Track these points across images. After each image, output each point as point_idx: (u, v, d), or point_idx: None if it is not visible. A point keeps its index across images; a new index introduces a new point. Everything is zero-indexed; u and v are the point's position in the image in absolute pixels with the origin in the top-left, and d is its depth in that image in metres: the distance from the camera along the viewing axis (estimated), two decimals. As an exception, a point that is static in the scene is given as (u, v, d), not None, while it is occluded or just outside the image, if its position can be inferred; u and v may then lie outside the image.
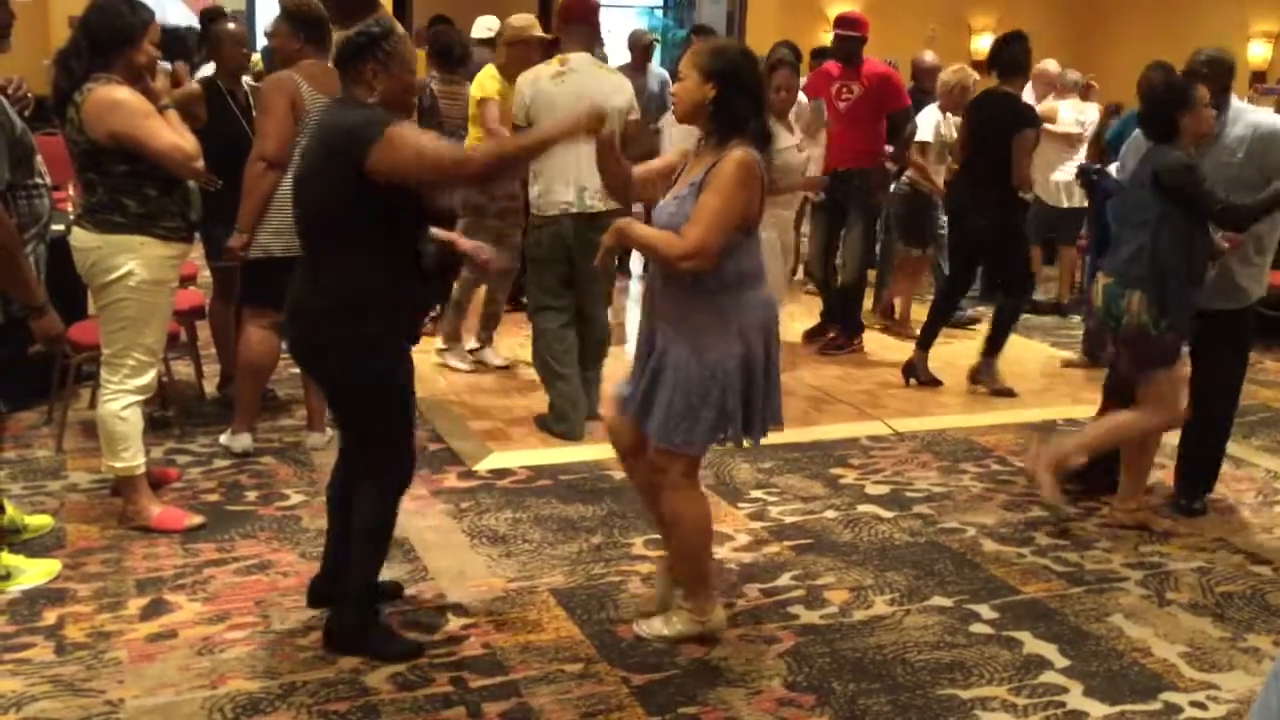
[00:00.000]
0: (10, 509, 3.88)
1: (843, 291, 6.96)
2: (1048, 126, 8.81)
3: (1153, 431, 4.31)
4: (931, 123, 6.99)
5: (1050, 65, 8.45)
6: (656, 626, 3.45)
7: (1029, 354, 7.10)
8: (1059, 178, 8.18)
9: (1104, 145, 8.21)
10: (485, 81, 5.96)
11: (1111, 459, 4.42)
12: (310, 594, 3.55)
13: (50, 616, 3.48)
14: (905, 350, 6.68)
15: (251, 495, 4.43)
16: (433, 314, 5.87)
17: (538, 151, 3.09)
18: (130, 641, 3.35)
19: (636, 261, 8.58)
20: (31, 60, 7.71)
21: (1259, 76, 11.76)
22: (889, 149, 7.07)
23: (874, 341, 7.21)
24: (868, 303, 7.72)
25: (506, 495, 4.51)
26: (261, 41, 10.15)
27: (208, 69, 5.74)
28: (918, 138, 7.06)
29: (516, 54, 5.97)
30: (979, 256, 6.26)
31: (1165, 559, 4.18)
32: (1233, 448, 5.40)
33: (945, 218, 6.85)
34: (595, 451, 4.88)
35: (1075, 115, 8.33)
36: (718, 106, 3.15)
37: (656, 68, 8.93)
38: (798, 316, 7.34)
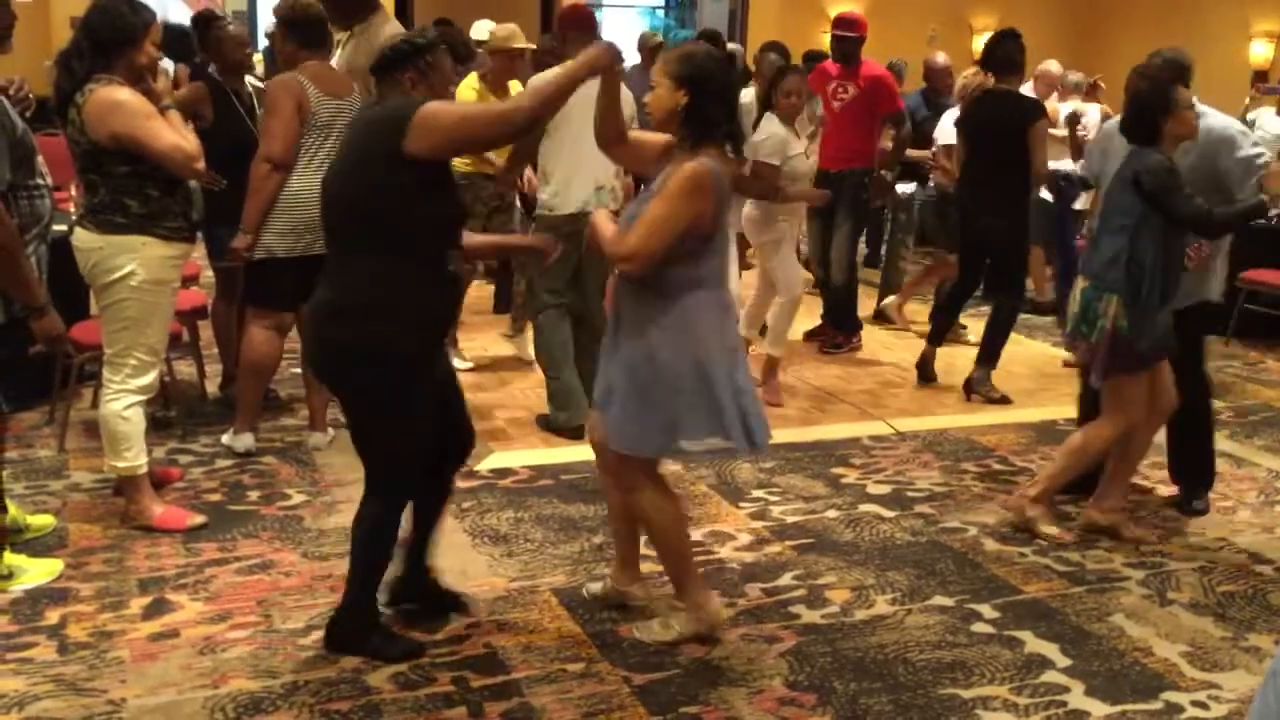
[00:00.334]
0: (13, 509, 3.88)
1: (835, 292, 6.97)
2: (1049, 129, 8.80)
3: (1114, 440, 4.23)
4: (953, 125, 6.99)
5: (1052, 66, 8.44)
6: (655, 630, 3.45)
7: (1030, 354, 7.10)
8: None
9: None
10: (464, 91, 6.04)
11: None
12: (393, 595, 3.49)
13: (53, 616, 3.48)
14: (905, 350, 6.69)
15: (253, 495, 4.44)
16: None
17: (569, 89, 3.09)
18: (132, 641, 3.36)
19: None
20: (33, 61, 7.72)
21: (1261, 76, 11.75)
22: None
23: (874, 341, 7.21)
24: (873, 303, 7.74)
25: (508, 495, 4.51)
26: (263, 42, 10.18)
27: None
28: (941, 141, 7.07)
29: (498, 63, 6.06)
30: (989, 256, 6.24)
31: (1166, 559, 4.18)
32: (1234, 447, 5.42)
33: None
34: (588, 452, 4.87)
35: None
36: (689, 113, 3.16)
37: None
38: (800, 316, 7.33)
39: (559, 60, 5.12)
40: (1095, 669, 3.39)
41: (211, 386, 5.61)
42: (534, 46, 5.93)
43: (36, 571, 3.69)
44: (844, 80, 6.79)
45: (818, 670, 3.33)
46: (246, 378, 4.87)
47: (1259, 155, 4.30)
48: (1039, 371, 6.74)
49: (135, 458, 4.02)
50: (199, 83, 5.31)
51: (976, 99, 6.33)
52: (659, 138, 3.34)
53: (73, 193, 5.30)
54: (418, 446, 3.22)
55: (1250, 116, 10.02)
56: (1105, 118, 8.67)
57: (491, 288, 7.69)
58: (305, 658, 3.29)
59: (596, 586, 3.68)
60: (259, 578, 3.77)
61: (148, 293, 3.92)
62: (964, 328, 7.36)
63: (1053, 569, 4.05)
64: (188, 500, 4.33)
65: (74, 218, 4.26)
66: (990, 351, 6.12)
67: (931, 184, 7.24)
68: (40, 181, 3.82)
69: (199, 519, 4.13)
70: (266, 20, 11.26)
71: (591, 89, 3.26)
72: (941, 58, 8.30)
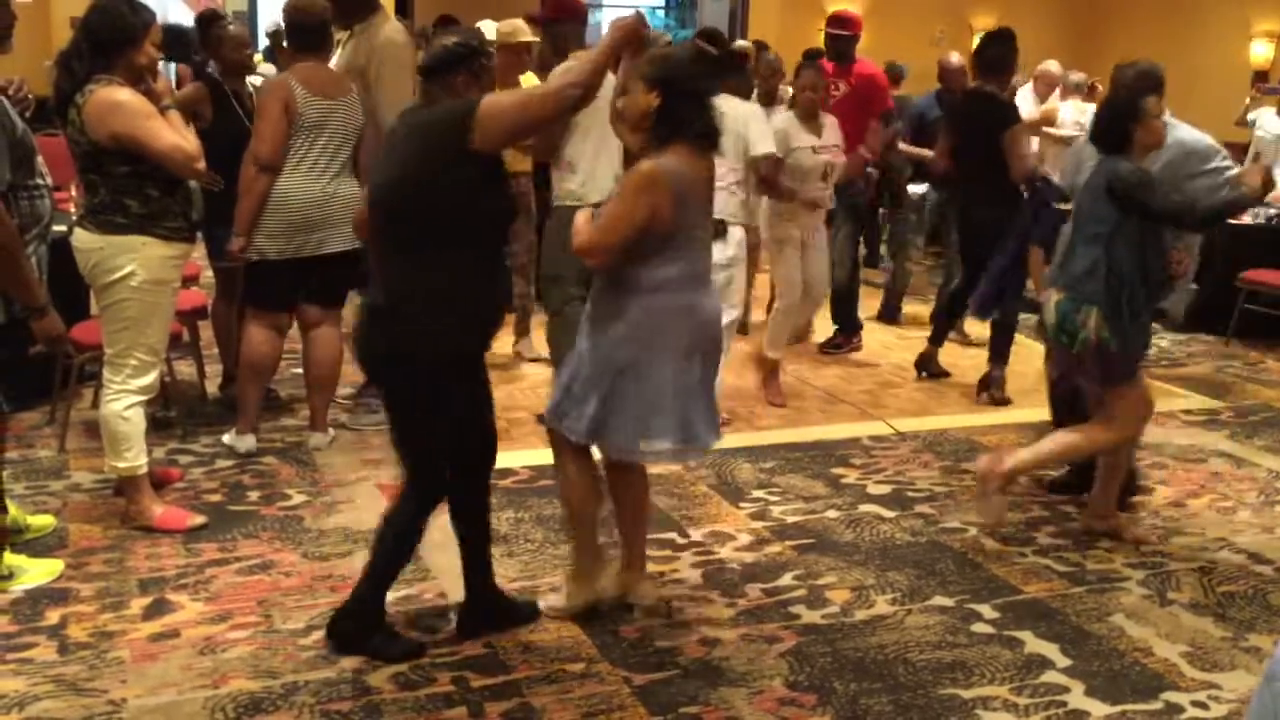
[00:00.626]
0: (13, 509, 3.88)
1: (835, 292, 6.98)
2: (1047, 130, 8.81)
3: (1118, 445, 4.22)
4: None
5: (1052, 66, 8.45)
6: (550, 599, 3.60)
7: (1030, 354, 7.08)
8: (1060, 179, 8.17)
9: None
10: None
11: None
12: (462, 623, 3.46)
13: (53, 616, 3.48)
14: (905, 350, 6.70)
15: (254, 495, 4.44)
16: None
17: (607, 59, 3.17)
18: (132, 641, 3.36)
19: None
20: (33, 61, 7.73)
21: (1261, 76, 11.75)
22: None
23: (874, 341, 7.21)
24: (874, 303, 7.74)
25: (509, 495, 4.51)
26: (263, 42, 10.20)
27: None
28: None
29: (505, 58, 6.03)
30: (987, 251, 6.24)
31: (1167, 559, 4.18)
32: (1234, 447, 5.42)
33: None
34: (597, 452, 4.86)
35: (1076, 116, 8.32)
36: (660, 113, 3.19)
37: None
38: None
39: (554, 51, 5.10)
40: (1095, 669, 3.39)
41: (211, 387, 5.61)
42: (539, 40, 5.91)
43: (37, 572, 3.69)
44: (837, 78, 6.84)
45: (818, 670, 3.33)
46: (246, 378, 4.88)
47: (1230, 169, 4.26)
48: (1038, 371, 6.72)
49: (135, 458, 4.02)
50: (199, 83, 5.31)
51: (961, 98, 6.37)
52: None
53: (73, 193, 5.31)
54: (458, 445, 3.27)
55: (1251, 116, 10.03)
56: None
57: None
58: (305, 658, 3.29)
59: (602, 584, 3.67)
60: (259, 578, 3.77)
61: (148, 293, 3.92)
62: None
63: (1053, 569, 4.05)
64: (188, 500, 4.33)
65: (74, 218, 4.26)
66: (1001, 351, 6.12)
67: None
68: (40, 181, 3.82)
69: (199, 519, 4.13)
70: (267, 20, 11.31)
71: (609, 80, 3.30)
72: (955, 58, 8.28)
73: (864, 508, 4.55)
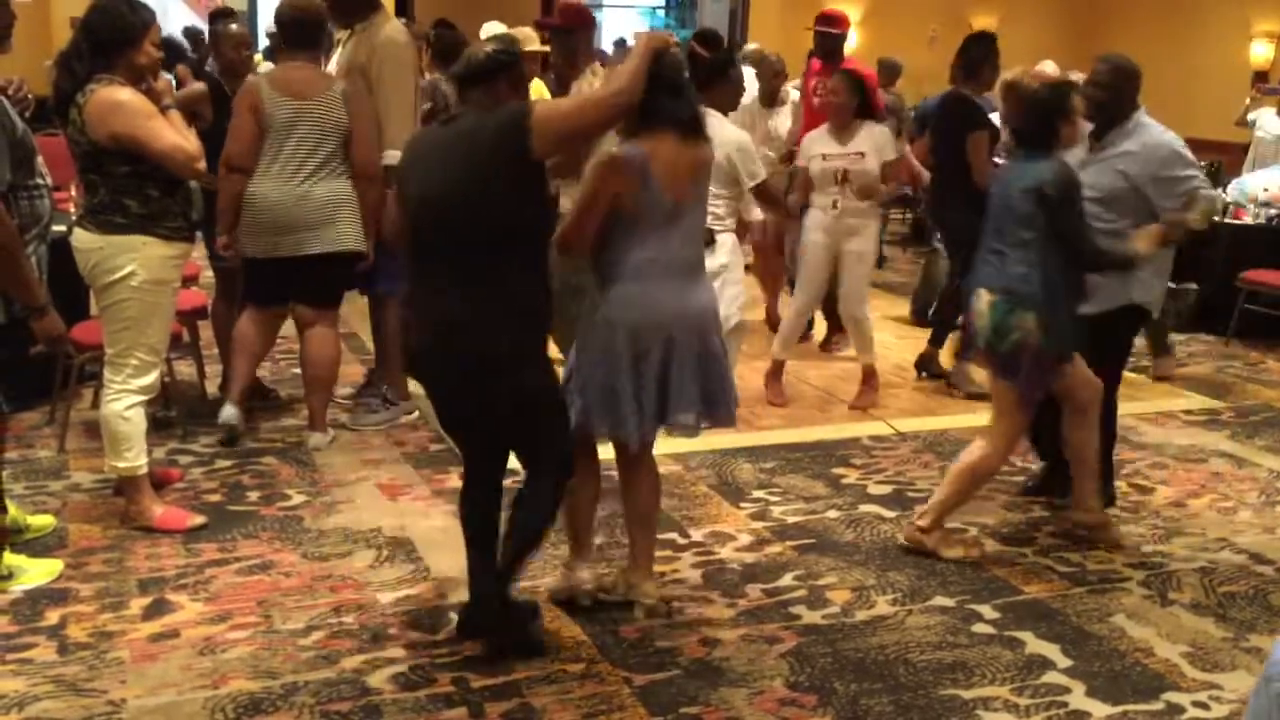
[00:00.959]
0: (13, 509, 3.88)
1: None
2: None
3: (1008, 450, 4.14)
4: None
5: (1049, 66, 8.43)
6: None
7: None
8: None
9: None
10: None
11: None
12: (467, 624, 3.44)
13: (52, 616, 3.48)
14: (906, 351, 6.69)
15: (253, 495, 4.43)
16: None
17: (646, 70, 3.17)
18: (132, 641, 3.35)
19: None
20: (33, 61, 7.72)
21: (1261, 76, 11.75)
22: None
23: (875, 342, 7.18)
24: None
25: (508, 496, 4.48)
26: (264, 41, 10.18)
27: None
28: None
29: None
30: (969, 254, 6.24)
31: (1167, 559, 4.18)
32: (1235, 448, 5.42)
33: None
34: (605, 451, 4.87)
35: (1075, 116, 8.31)
36: (646, 108, 3.20)
37: None
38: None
39: (565, 59, 5.08)
40: (1096, 669, 3.39)
41: (212, 387, 5.60)
42: (548, 49, 5.91)
43: (36, 572, 3.69)
44: (825, 76, 6.85)
45: (818, 671, 3.33)
46: (233, 351, 4.97)
47: (1196, 179, 4.18)
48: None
49: (136, 458, 4.02)
50: (199, 82, 5.32)
51: (938, 100, 6.37)
52: None
53: (72, 193, 5.30)
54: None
55: (1251, 117, 10.03)
56: None
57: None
58: (305, 658, 3.29)
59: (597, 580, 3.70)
60: (259, 578, 3.77)
61: (148, 293, 3.92)
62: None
63: (1054, 570, 4.05)
64: (188, 501, 4.33)
65: (74, 218, 4.26)
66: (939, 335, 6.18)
67: None
68: (40, 181, 3.82)
69: (199, 519, 4.12)
70: (267, 20, 11.29)
71: None
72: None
73: (864, 508, 4.55)
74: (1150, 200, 4.18)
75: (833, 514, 4.47)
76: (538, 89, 5.94)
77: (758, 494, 4.64)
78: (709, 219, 3.90)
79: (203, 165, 4.01)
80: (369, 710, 3.05)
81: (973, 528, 4.36)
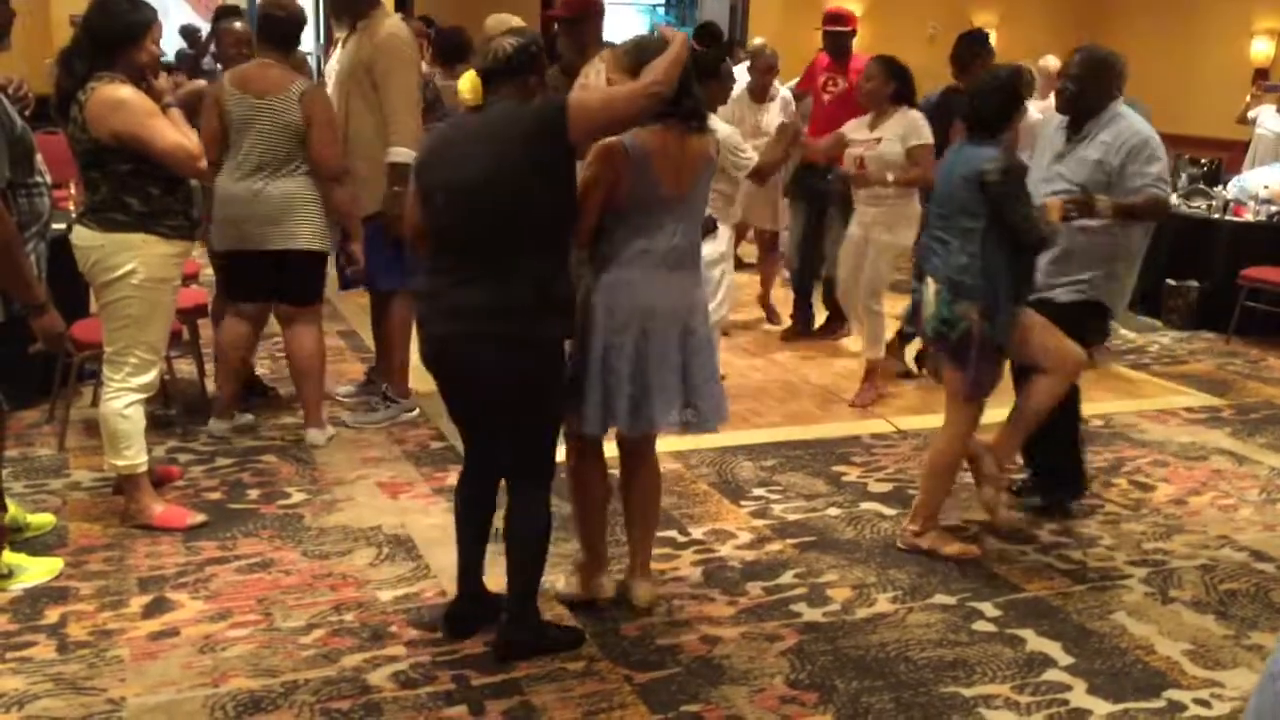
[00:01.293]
0: (12, 507, 3.88)
1: (829, 283, 7.05)
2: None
3: (968, 434, 4.11)
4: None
5: (1051, 62, 8.42)
6: (559, 584, 3.66)
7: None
8: None
9: None
10: (463, 84, 6.07)
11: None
12: (455, 621, 3.43)
13: (52, 615, 3.48)
14: (906, 349, 6.68)
15: (253, 493, 4.43)
16: None
17: (681, 64, 3.17)
18: (132, 639, 3.35)
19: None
20: (33, 59, 7.71)
21: (1262, 73, 11.73)
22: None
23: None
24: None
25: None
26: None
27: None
28: None
29: None
30: None
31: (1168, 557, 4.18)
32: (1236, 445, 5.42)
33: None
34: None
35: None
36: None
37: None
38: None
39: (575, 48, 5.08)
40: (1097, 667, 3.39)
41: (211, 385, 5.59)
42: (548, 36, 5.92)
43: (36, 570, 3.69)
44: (835, 73, 6.92)
45: (819, 668, 3.32)
46: (217, 365, 5.05)
47: (1155, 176, 4.12)
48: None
49: (135, 456, 4.02)
50: (199, 80, 5.32)
51: (939, 95, 6.37)
52: None
53: (71, 191, 5.30)
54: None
55: (1252, 114, 10.02)
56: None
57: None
58: (305, 656, 3.29)
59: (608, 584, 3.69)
60: (259, 576, 3.77)
61: (149, 291, 3.91)
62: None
63: (1054, 567, 4.04)
64: (188, 499, 4.33)
65: (73, 216, 4.26)
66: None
67: None
68: (39, 179, 3.82)
69: (199, 517, 4.12)
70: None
71: None
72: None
73: (865, 506, 4.54)
74: (1120, 183, 4.14)
75: (833, 512, 4.47)
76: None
77: (758, 492, 4.63)
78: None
79: (204, 164, 4.01)
80: (369, 708, 3.05)
81: (973, 525, 4.36)
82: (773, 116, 7.09)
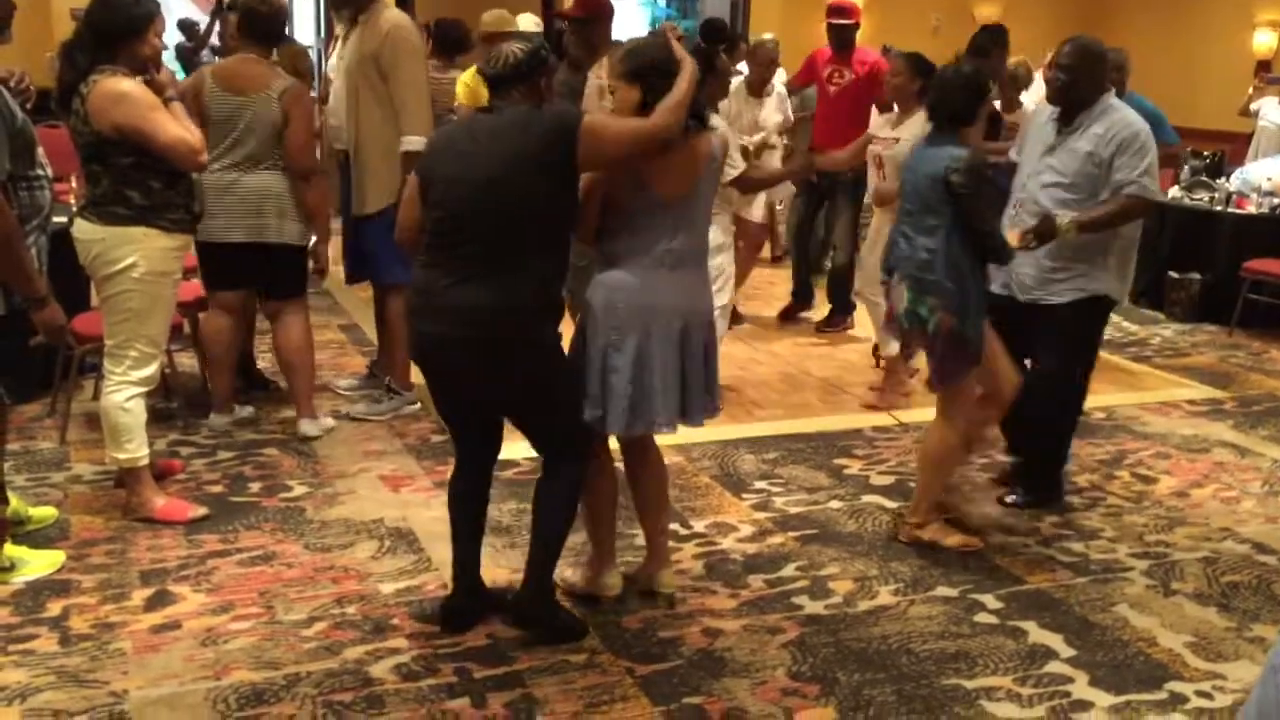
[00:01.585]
0: (14, 500, 3.88)
1: (835, 273, 7.03)
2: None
3: (960, 440, 4.12)
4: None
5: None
6: (564, 574, 3.64)
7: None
8: None
9: None
10: (459, 89, 6.14)
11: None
12: (454, 615, 3.44)
13: (54, 608, 3.48)
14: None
15: (255, 487, 4.43)
16: None
17: (692, 94, 3.21)
18: (134, 632, 3.35)
19: None
20: (33, 52, 7.71)
21: (1264, 65, 11.69)
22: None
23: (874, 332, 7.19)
24: None
25: (510, 487, 4.50)
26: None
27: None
28: None
29: (488, 50, 6.06)
30: None
31: (1170, 549, 4.17)
32: (1238, 437, 5.41)
33: None
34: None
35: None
36: (646, 103, 3.20)
37: None
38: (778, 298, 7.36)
39: (585, 49, 5.09)
40: (1099, 659, 3.39)
41: (213, 378, 5.61)
42: (536, 31, 5.92)
43: (38, 563, 3.69)
44: (839, 66, 6.94)
45: (821, 661, 3.32)
46: (209, 365, 5.06)
47: (1140, 173, 4.09)
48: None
49: (136, 449, 4.02)
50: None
51: None
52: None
53: (72, 184, 5.30)
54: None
55: (1254, 106, 10.00)
56: None
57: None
58: (307, 649, 3.29)
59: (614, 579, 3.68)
60: (261, 569, 3.77)
61: (149, 284, 3.91)
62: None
63: (1056, 559, 4.04)
64: (189, 492, 4.33)
65: (74, 209, 4.25)
66: None
67: None
68: (40, 172, 3.81)
69: (201, 511, 4.12)
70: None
71: None
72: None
73: (867, 498, 4.54)
74: (1103, 174, 4.13)
75: (835, 505, 4.47)
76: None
77: (760, 485, 4.63)
78: None
79: (205, 157, 4.01)
80: (371, 700, 3.05)
81: (975, 517, 4.35)
82: (769, 112, 7.09)
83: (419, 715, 3.00)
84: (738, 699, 3.11)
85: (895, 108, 5.70)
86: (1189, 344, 7.24)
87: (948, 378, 3.98)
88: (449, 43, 6.78)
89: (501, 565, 3.83)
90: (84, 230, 3.92)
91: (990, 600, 3.72)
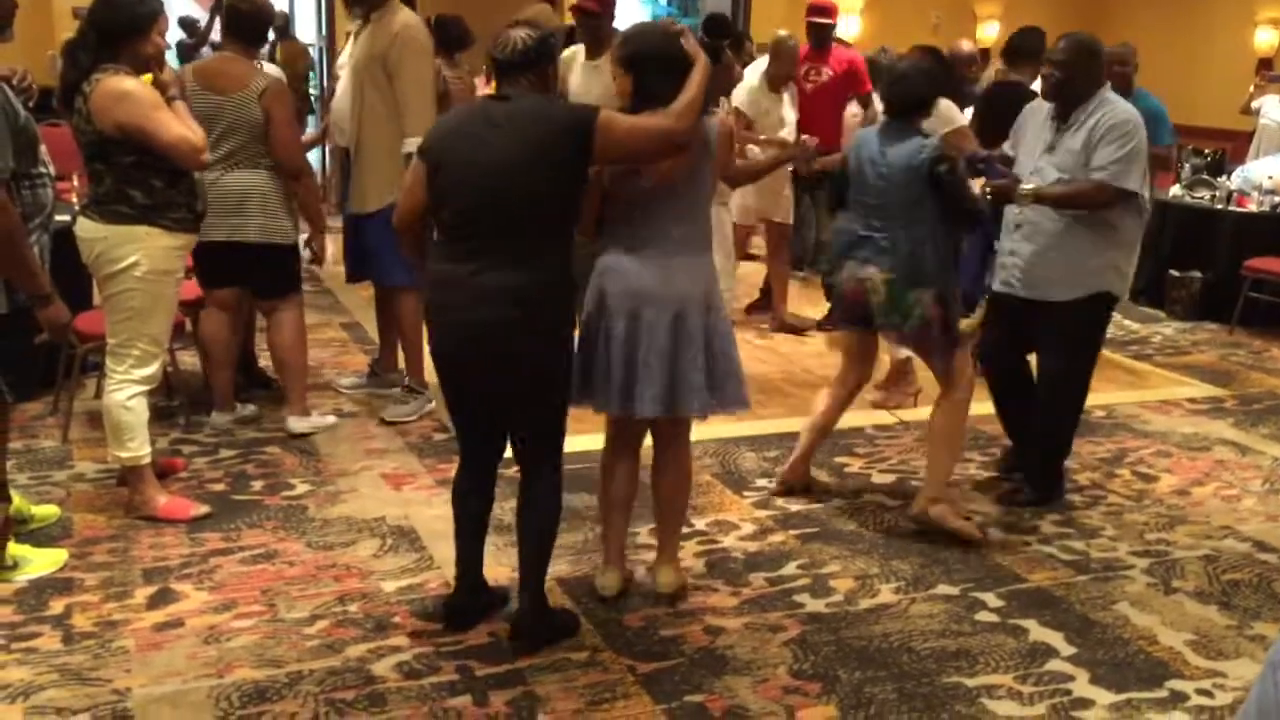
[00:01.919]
0: (17, 499, 3.89)
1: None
2: None
3: (966, 413, 4.17)
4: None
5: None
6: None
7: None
8: None
9: None
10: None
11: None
12: (456, 613, 3.44)
13: (57, 606, 3.49)
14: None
15: (257, 485, 4.44)
16: None
17: (703, 95, 3.22)
18: (137, 630, 3.36)
19: None
20: (35, 51, 7.71)
21: (1265, 63, 11.70)
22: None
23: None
24: None
25: (512, 485, 4.47)
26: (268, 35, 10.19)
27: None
28: None
29: None
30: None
31: (1171, 547, 4.18)
32: (1239, 435, 5.42)
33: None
34: (599, 441, 4.86)
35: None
36: (637, 90, 3.23)
37: None
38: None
39: (592, 37, 5.14)
40: (1100, 657, 3.39)
41: (215, 377, 5.61)
42: (562, 27, 5.94)
43: (41, 561, 3.69)
44: (816, 63, 7.09)
45: (822, 659, 3.33)
46: (208, 364, 5.07)
47: (1115, 164, 4.07)
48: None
49: (139, 448, 4.02)
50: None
51: (989, 89, 6.34)
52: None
53: (74, 183, 5.30)
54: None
55: (1255, 104, 9.99)
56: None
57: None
58: (310, 647, 3.30)
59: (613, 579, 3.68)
60: (263, 567, 3.77)
61: (152, 283, 3.92)
62: None
63: (1057, 557, 4.05)
64: (192, 490, 4.34)
65: (76, 208, 4.26)
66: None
67: None
68: (43, 170, 3.82)
69: (203, 509, 4.13)
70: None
71: None
72: (967, 45, 8.28)
73: (868, 497, 4.55)
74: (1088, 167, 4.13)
75: (836, 502, 4.47)
76: None
77: (761, 483, 4.64)
78: None
79: (208, 157, 4.01)
80: (373, 698, 3.06)
81: (977, 515, 4.36)
82: (788, 109, 7.09)
83: (421, 713, 3.00)
84: (739, 697, 3.12)
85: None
86: (1190, 342, 7.24)
87: (953, 352, 4.04)
88: (449, 40, 6.79)
89: (503, 563, 3.83)
90: (86, 229, 3.92)
91: (991, 598, 3.72)
